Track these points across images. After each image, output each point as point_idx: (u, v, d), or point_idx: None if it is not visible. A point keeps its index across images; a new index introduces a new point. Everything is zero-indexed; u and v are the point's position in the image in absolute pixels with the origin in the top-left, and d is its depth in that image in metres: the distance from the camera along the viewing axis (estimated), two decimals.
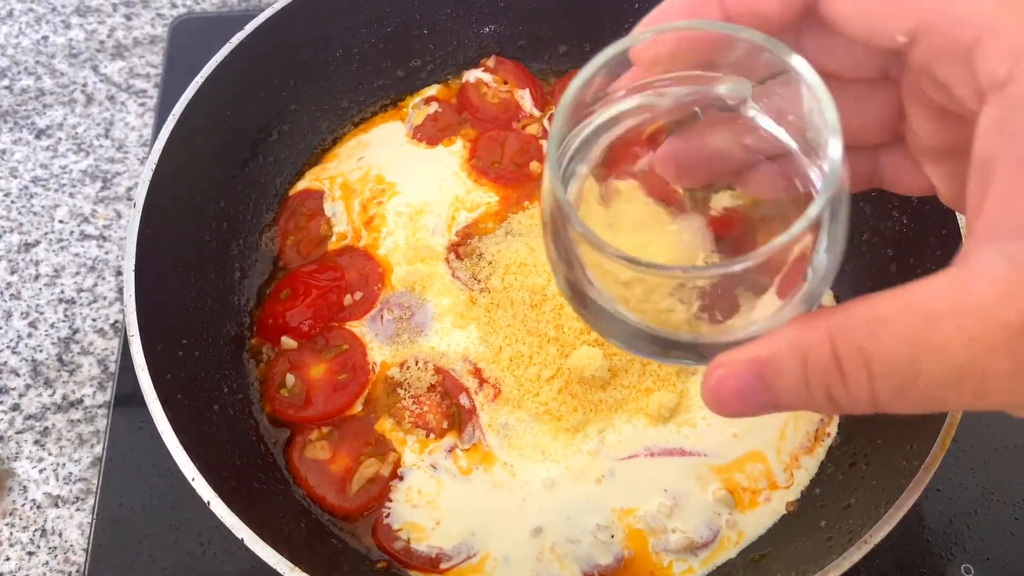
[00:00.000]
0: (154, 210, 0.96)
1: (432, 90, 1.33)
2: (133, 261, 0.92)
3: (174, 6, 1.55)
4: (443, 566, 0.96)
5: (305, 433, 1.04)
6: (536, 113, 1.29)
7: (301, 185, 1.24)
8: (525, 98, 1.30)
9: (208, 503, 0.81)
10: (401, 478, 1.01)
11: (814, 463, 1.03)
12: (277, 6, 1.12)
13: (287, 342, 1.09)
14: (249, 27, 1.11)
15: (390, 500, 1.00)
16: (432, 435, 1.04)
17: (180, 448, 0.83)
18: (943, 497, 1.08)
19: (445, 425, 1.04)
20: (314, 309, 1.10)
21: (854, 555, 0.81)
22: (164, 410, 0.85)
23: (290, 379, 1.06)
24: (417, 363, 1.07)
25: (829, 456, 1.04)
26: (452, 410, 1.05)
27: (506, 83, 1.31)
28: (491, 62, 1.31)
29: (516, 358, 1.06)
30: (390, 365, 1.08)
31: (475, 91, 1.29)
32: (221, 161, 1.14)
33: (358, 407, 1.06)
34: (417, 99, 1.32)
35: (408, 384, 1.06)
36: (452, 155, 1.26)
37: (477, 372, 1.07)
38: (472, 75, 1.30)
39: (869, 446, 0.99)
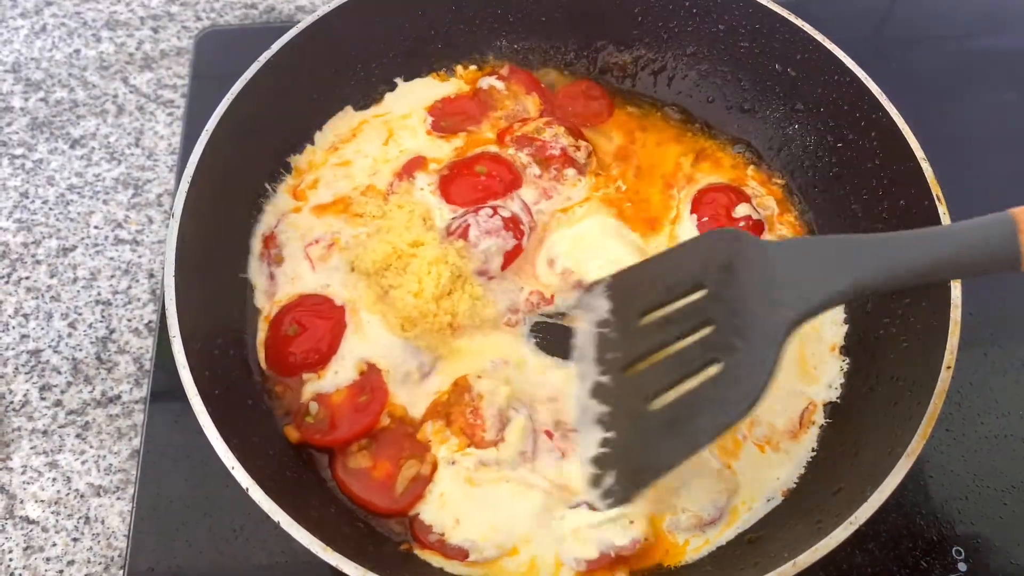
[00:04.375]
0: (189, 221, 1.03)
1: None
2: (173, 268, 0.98)
3: (199, 19, 1.62)
4: (472, 558, 1.02)
5: (345, 447, 1.08)
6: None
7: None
8: (531, 102, 1.36)
9: (247, 490, 0.87)
10: (436, 479, 1.06)
11: (801, 448, 1.10)
12: (302, 25, 1.18)
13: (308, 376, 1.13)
14: (275, 46, 1.16)
15: (423, 497, 1.05)
16: (473, 447, 1.08)
17: (220, 439, 0.89)
18: (935, 483, 1.14)
19: (488, 438, 1.08)
20: (320, 338, 1.14)
21: (840, 535, 0.86)
22: (204, 405, 0.91)
23: (314, 407, 1.10)
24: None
25: (821, 443, 1.10)
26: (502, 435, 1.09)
27: (516, 89, 1.37)
28: (504, 71, 1.38)
29: None
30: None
31: (488, 96, 1.36)
32: (251, 173, 1.21)
33: (385, 420, 1.10)
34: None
35: (479, 395, 1.10)
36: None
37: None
38: (486, 82, 1.37)
39: (858, 433, 1.05)
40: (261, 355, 1.14)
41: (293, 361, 1.12)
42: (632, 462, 0.92)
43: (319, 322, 1.14)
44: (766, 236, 1.25)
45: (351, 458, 1.07)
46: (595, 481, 0.93)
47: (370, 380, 1.12)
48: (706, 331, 0.90)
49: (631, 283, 1.02)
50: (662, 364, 0.93)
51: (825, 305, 0.84)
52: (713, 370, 0.88)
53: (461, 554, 1.02)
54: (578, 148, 1.29)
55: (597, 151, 1.32)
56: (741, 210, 1.25)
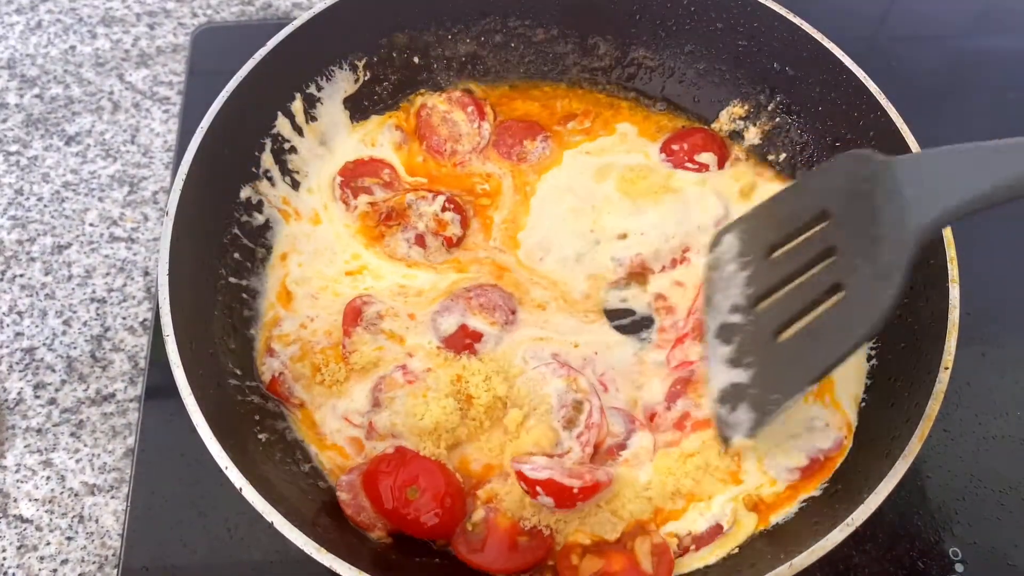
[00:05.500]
0: (184, 218, 1.02)
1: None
2: (167, 266, 0.97)
3: (195, 15, 1.61)
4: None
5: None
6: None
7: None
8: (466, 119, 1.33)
9: (240, 490, 0.87)
10: None
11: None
12: (298, 22, 1.17)
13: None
14: (272, 42, 1.15)
15: None
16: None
17: (213, 439, 0.88)
18: (933, 484, 1.14)
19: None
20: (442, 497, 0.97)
21: (837, 536, 0.86)
22: (198, 404, 0.90)
23: (480, 513, 0.97)
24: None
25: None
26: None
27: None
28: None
29: None
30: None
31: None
32: (247, 171, 1.19)
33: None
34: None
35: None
36: None
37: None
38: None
39: (855, 434, 1.05)
40: (260, 366, 1.12)
41: (425, 526, 0.96)
42: (761, 393, 0.94)
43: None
44: None
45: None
46: (723, 417, 0.97)
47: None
48: (831, 259, 0.91)
49: (759, 222, 1.04)
50: (788, 296, 0.95)
51: (966, 207, 0.79)
52: (838, 296, 0.89)
53: (717, 532, 1.00)
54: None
55: None
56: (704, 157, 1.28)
